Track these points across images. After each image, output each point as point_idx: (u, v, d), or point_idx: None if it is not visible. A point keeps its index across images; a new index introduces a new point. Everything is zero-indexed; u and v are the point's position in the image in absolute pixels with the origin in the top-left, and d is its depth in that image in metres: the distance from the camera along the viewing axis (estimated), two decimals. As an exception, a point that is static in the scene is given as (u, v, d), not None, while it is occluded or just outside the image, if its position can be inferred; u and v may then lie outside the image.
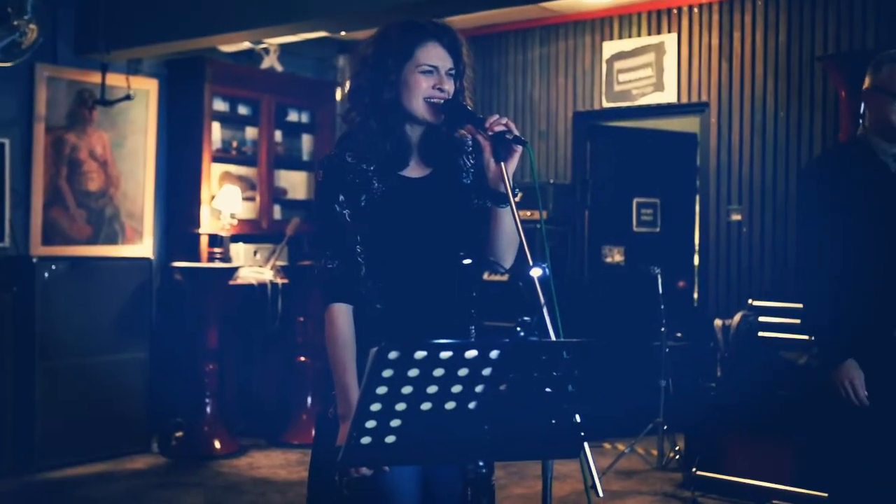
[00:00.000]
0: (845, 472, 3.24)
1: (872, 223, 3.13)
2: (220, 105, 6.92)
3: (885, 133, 3.16)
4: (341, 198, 2.36)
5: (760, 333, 5.51)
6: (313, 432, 2.56)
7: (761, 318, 5.62)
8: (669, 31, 6.62)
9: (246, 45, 6.80)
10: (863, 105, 3.29)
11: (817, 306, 3.21)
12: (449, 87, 2.37)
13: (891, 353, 3.09)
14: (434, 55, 2.37)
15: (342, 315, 2.33)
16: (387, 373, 1.79)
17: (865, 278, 3.12)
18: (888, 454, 3.16)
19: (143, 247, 6.54)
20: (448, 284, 2.40)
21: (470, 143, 2.49)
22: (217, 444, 6.10)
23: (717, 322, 5.65)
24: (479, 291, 2.49)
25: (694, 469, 5.23)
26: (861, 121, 3.33)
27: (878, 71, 3.20)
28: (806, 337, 5.44)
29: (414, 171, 2.43)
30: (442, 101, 2.36)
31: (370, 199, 2.37)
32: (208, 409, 6.15)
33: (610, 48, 6.87)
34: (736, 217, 6.35)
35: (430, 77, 2.36)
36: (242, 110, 7.15)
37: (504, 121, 2.29)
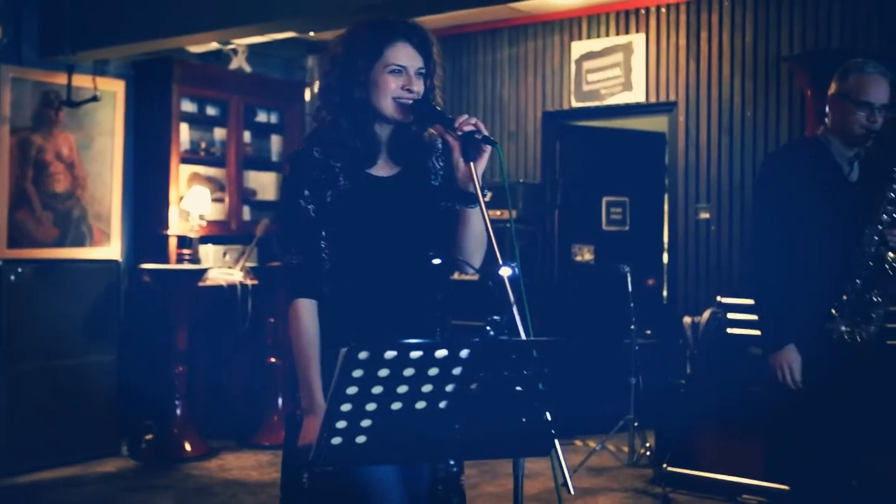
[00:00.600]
0: (793, 459, 3.47)
1: (820, 220, 3.30)
2: (188, 106, 6.88)
3: (845, 138, 3.34)
4: (306, 192, 2.36)
5: (729, 330, 5.55)
6: (284, 434, 2.56)
7: (730, 315, 5.65)
8: (637, 31, 6.66)
9: (214, 45, 6.76)
10: (827, 108, 3.41)
11: (763, 294, 3.42)
12: (418, 87, 2.38)
13: (823, 343, 3.30)
14: (403, 55, 2.37)
15: (307, 310, 2.33)
16: (357, 373, 1.79)
17: (808, 271, 3.30)
18: (826, 437, 3.36)
19: (110, 249, 6.49)
20: (414, 284, 2.41)
21: (440, 145, 2.50)
22: (187, 447, 6.07)
23: (687, 319, 5.69)
24: (447, 292, 2.49)
25: (664, 465, 5.27)
26: (825, 121, 3.44)
27: (844, 79, 3.35)
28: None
29: (382, 169, 2.43)
30: (410, 101, 2.37)
31: (336, 195, 2.36)
32: (178, 412, 6.11)
33: (578, 48, 6.90)
34: (704, 215, 6.40)
35: (398, 77, 2.36)
36: (211, 111, 7.11)
37: (473, 121, 2.30)
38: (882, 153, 3.42)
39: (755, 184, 3.70)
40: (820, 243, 3.30)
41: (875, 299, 3.29)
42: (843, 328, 3.29)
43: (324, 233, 2.36)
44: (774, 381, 3.34)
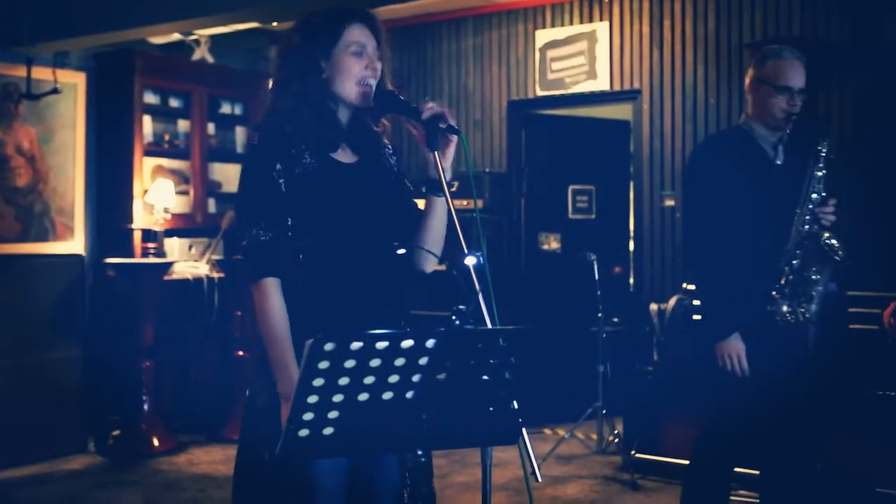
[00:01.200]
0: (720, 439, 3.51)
1: (751, 205, 3.37)
2: (150, 98, 6.82)
3: (767, 122, 3.42)
4: (278, 166, 2.30)
5: (695, 316, 5.58)
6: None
7: (696, 302, 5.69)
8: (601, 20, 6.67)
9: (176, 36, 6.70)
10: (748, 94, 3.49)
11: (703, 284, 3.57)
12: (379, 65, 2.38)
13: (767, 327, 3.37)
14: (360, 34, 2.37)
15: (275, 290, 2.26)
16: (323, 364, 1.78)
17: (744, 257, 3.37)
18: (765, 419, 3.44)
19: (74, 243, 6.43)
20: (379, 273, 2.39)
21: (388, 144, 2.50)
22: (155, 442, 6.03)
23: (653, 306, 5.72)
24: (409, 282, 2.48)
25: (633, 452, 5.30)
26: (745, 110, 3.54)
27: (762, 65, 3.41)
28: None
29: (343, 156, 2.41)
30: (374, 80, 2.36)
31: (304, 172, 2.31)
32: (145, 407, 6.07)
33: (543, 37, 6.91)
34: (669, 203, 6.44)
35: (360, 59, 2.36)
36: (174, 103, 7.05)
37: (430, 104, 2.29)
38: (802, 134, 3.51)
39: (684, 176, 3.77)
40: (753, 228, 3.37)
41: (813, 277, 3.36)
42: (785, 309, 3.36)
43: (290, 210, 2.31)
44: (722, 369, 3.40)
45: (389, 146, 2.52)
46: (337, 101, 2.38)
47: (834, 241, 3.35)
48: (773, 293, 3.37)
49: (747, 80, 3.48)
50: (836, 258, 3.35)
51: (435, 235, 2.44)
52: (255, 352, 2.37)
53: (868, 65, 5.66)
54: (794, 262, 3.36)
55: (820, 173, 3.37)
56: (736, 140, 3.50)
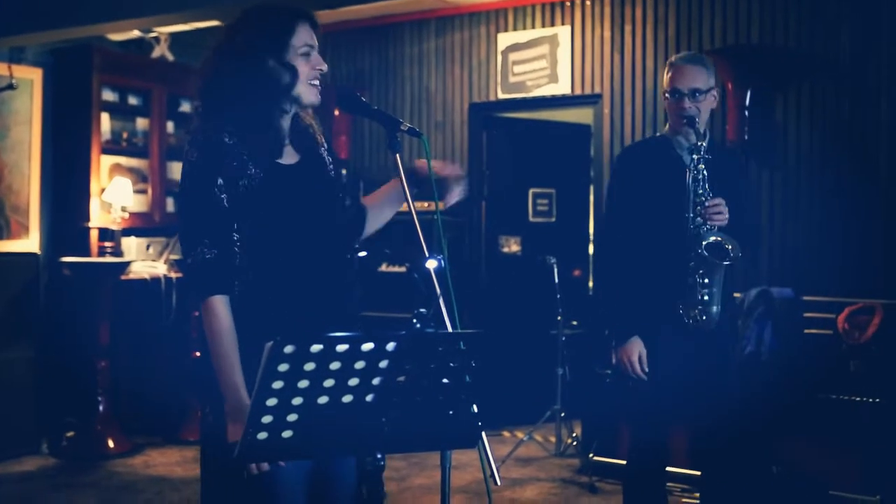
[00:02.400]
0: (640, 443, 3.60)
1: (664, 211, 3.44)
2: (108, 95, 6.74)
3: (674, 128, 3.53)
4: (220, 181, 2.25)
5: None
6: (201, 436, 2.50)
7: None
8: (563, 24, 6.70)
9: (136, 33, 6.63)
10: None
11: (604, 289, 3.67)
12: (325, 66, 2.38)
13: (678, 330, 3.43)
14: (308, 35, 2.35)
15: (223, 308, 2.23)
16: (282, 367, 1.77)
17: (654, 261, 3.44)
18: (685, 422, 3.56)
19: (29, 242, 6.33)
20: (332, 275, 2.37)
21: (325, 146, 2.49)
22: (111, 444, 5.96)
23: (612, 310, 5.74)
24: (363, 283, 2.48)
25: (591, 454, 5.33)
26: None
27: (666, 74, 3.58)
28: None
29: (287, 158, 2.39)
30: (320, 81, 2.36)
31: (248, 184, 2.28)
32: (101, 408, 6.00)
33: (505, 40, 6.92)
34: (629, 207, 6.47)
35: (309, 59, 2.34)
36: (133, 101, 6.97)
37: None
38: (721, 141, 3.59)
39: (607, 182, 3.88)
40: (664, 233, 3.44)
41: (701, 280, 3.39)
42: (692, 312, 3.42)
43: (235, 224, 2.27)
44: (624, 373, 3.49)
45: (324, 142, 2.49)
46: (291, 102, 2.34)
47: (725, 243, 3.35)
48: (678, 296, 3.43)
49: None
50: (726, 260, 3.35)
51: (377, 223, 2.56)
52: (204, 368, 2.32)
53: (824, 71, 5.74)
54: (691, 263, 3.41)
55: (701, 175, 3.39)
56: (653, 147, 3.63)
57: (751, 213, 3.56)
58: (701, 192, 3.38)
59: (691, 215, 3.39)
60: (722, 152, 3.65)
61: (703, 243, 3.35)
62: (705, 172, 3.38)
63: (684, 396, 3.48)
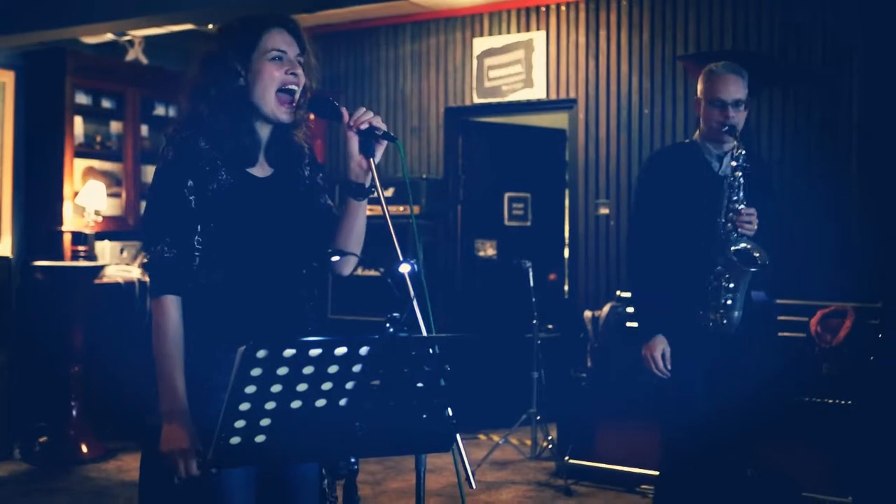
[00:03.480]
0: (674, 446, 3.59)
1: (691, 216, 3.49)
2: (82, 98, 6.70)
3: (711, 137, 3.53)
4: (190, 183, 2.26)
5: (629, 324, 5.65)
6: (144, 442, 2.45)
7: (629, 309, 5.76)
8: (538, 29, 6.73)
9: (109, 36, 6.59)
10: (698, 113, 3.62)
11: (635, 289, 3.72)
12: (300, 71, 2.33)
13: (698, 333, 3.48)
14: (280, 40, 2.32)
15: (174, 308, 2.24)
16: (255, 371, 1.77)
17: (681, 265, 3.49)
18: (701, 421, 3.50)
19: (1, 245, 6.28)
20: (291, 286, 2.37)
21: (307, 153, 2.47)
22: (84, 449, 5.91)
23: (587, 313, 5.78)
24: (321, 291, 2.48)
25: (566, 457, 5.34)
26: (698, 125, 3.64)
27: (705, 82, 3.54)
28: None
29: (259, 170, 2.38)
30: (296, 85, 2.32)
31: (219, 189, 2.28)
32: (74, 413, 5.95)
33: (480, 44, 6.94)
34: (604, 211, 6.51)
35: (280, 64, 2.31)
36: (106, 104, 6.93)
37: (369, 116, 2.28)
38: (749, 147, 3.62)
39: (635, 188, 3.89)
40: (691, 238, 3.49)
41: (727, 285, 3.44)
42: (711, 316, 3.46)
43: (199, 227, 2.27)
44: (647, 371, 3.56)
45: (308, 157, 2.48)
46: (256, 110, 2.32)
47: (753, 251, 3.40)
48: (701, 301, 3.47)
49: (695, 98, 3.62)
50: (753, 267, 3.40)
51: (356, 237, 2.44)
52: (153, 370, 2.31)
53: (796, 77, 5.79)
54: (718, 268, 3.45)
55: (738, 182, 3.43)
56: (683, 153, 3.63)
57: (771, 233, 3.53)
58: (735, 198, 3.42)
59: (723, 220, 3.44)
60: (758, 165, 3.63)
61: (733, 249, 3.39)
62: (742, 180, 3.42)
63: (708, 398, 3.51)
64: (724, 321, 3.46)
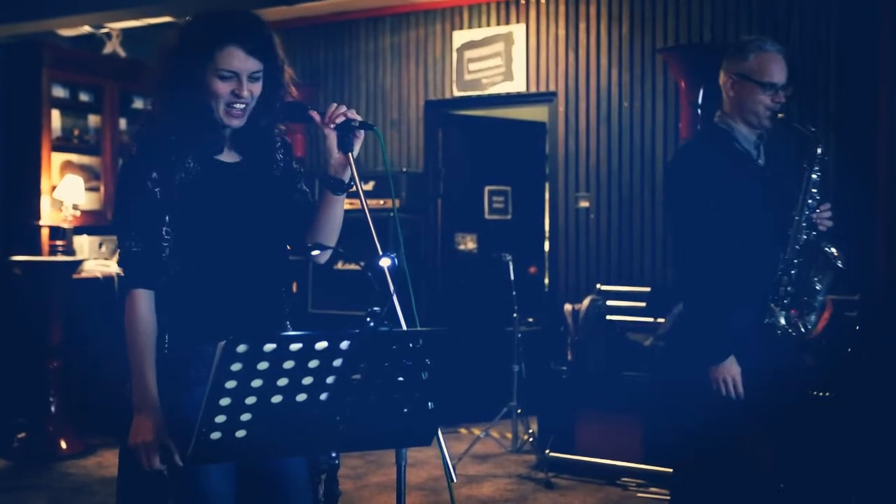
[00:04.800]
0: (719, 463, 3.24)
1: (741, 213, 3.13)
2: (59, 92, 6.64)
3: (748, 120, 3.19)
4: (154, 175, 2.26)
5: (608, 317, 5.67)
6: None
7: (609, 302, 5.78)
8: (518, 22, 6.73)
9: (86, 29, 6.55)
10: (726, 90, 3.25)
11: (697, 304, 3.16)
12: (248, 92, 2.28)
13: (763, 342, 3.14)
14: (234, 60, 2.26)
15: (144, 301, 2.24)
16: (235, 366, 1.76)
17: (738, 268, 3.12)
18: (756, 441, 3.22)
19: (-22, 241, 6.24)
20: (263, 273, 2.36)
21: (279, 138, 2.47)
22: (63, 445, 5.88)
23: (568, 307, 5.79)
24: (300, 280, 2.49)
25: (547, 451, 5.36)
26: (720, 108, 3.29)
27: (743, 59, 3.17)
28: (651, 319, 5.65)
29: (227, 156, 2.38)
30: (242, 105, 2.29)
31: (186, 178, 2.28)
32: (53, 408, 5.91)
33: (460, 37, 6.93)
34: (584, 204, 6.52)
35: (227, 84, 2.28)
36: (84, 97, 6.88)
37: (343, 110, 2.28)
38: (777, 131, 3.32)
39: (667, 187, 3.52)
40: (745, 237, 3.13)
41: (816, 287, 3.17)
42: (783, 322, 3.16)
43: (167, 218, 2.26)
44: (717, 394, 3.12)
45: (280, 142, 2.47)
46: (210, 115, 2.31)
47: (833, 249, 3.16)
48: (772, 304, 3.16)
49: (723, 76, 3.24)
50: (839, 266, 3.15)
51: (334, 230, 2.44)
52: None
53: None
54: (793, 271, 3.16)
55: (815, 176, 3.18)
56: (718, 143, 3.23)
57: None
58: (814, 190, 3.16)
59: (798, 217, 3.15)
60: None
61: (826, 248, 3.14)
62: (819, 173, 3.18)
63: (762, 404, 3.20)
64: (805, 326, 3.17)
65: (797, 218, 3.16)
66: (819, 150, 3.20)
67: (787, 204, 3.20)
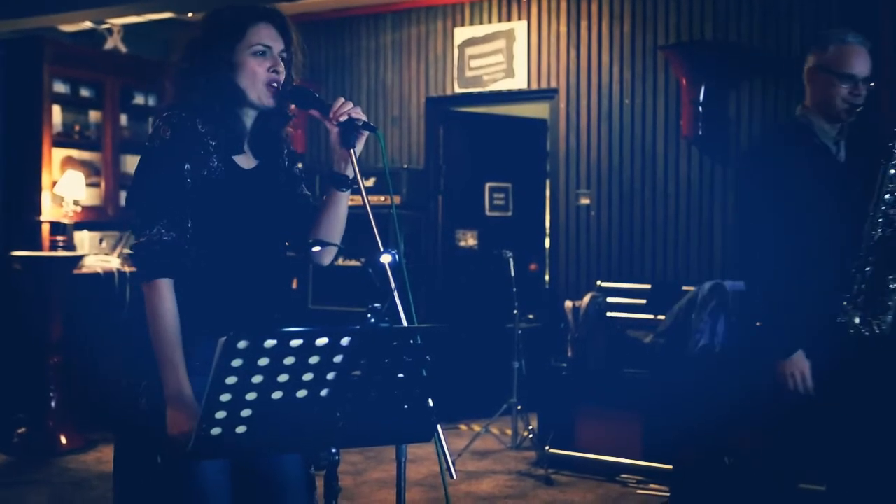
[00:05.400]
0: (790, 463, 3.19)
1: (816, 207, 3.06)
2: (60, 87, 6.64)
3: (828, 114, 3.12)
4: (187, 166, 2.24)
5: (609, 314, 5.68)
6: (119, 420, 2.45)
7: (609, 299, 5.79)
8: (520, 19, 6.72)
9: (88, 25, 6.54)
10: (807, 83, 3.19)
11: (766, 297, 3.11)
12: (282, 67, 2.33)
13: (835, 340, 3.05)
14: (266, 35, 2.32)
15: (170, 291, 2.22)
16: (236, 362, 1.77)
17: (811, 264, 3.05)
18: (831, 442, 3.12)
19: (-21, 236, 6.24)
20: (267, 274, 2.38)
21: (287, 142, 2.48)
22: (63, 440, 5.88)
23: (568, 303, 5.80)
24: (300, 280, 2.50)
25: (547, 447, 5.36)
26: (802, 101, 3.23)
27: (823, 50, 3.12)
28: (651, 316, 5.66)
29: (244, 160, 2.38)
30: (277, 84, 2.32)
31: (209, 176, 2.27)
32: (53, 404, 5.92)
33: (461, 34, 6.93)
34: (584, 201, 6.52)
35: (263, 59, 2.31)
36: (85, 93, 6.88)
37: (349, 107, 2.29)
38: (862, 126, 3.24)
39: (739, 178, 3.43)
40: (820, 232, 3.06)
41: (891, 286, 3.05)
42: (857, 321, 3.05)
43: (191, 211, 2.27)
44: (784, 389, 3.06)
45: (289, 149, 2.49)
46: (243, 97, 2.32)
47: None
48: (845, 303, 3.06)
49: (806, 68, 3.17)
50: None
51: (338, 227, 2.44)
52: (137, 350, 2.29)
53: (775, 67, 5.81)
54: (867, 268, 3.05)
55: (893, 171, 3.06)
56: (795, 136, 3.16)
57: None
58: (887, 191, 3.05)
59: (872, 213, 3.06)
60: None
61: None
62: (894, 170, 3.04)
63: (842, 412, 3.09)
64: (880, 326, 3.05)
65: (871, 213, 3.06)
66: (892, 145, 3.08)
67: (866, 201, 3.09)
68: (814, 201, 3.06)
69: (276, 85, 2.32)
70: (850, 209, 3.09)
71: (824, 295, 3.06)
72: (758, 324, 3.23)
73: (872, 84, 3.12)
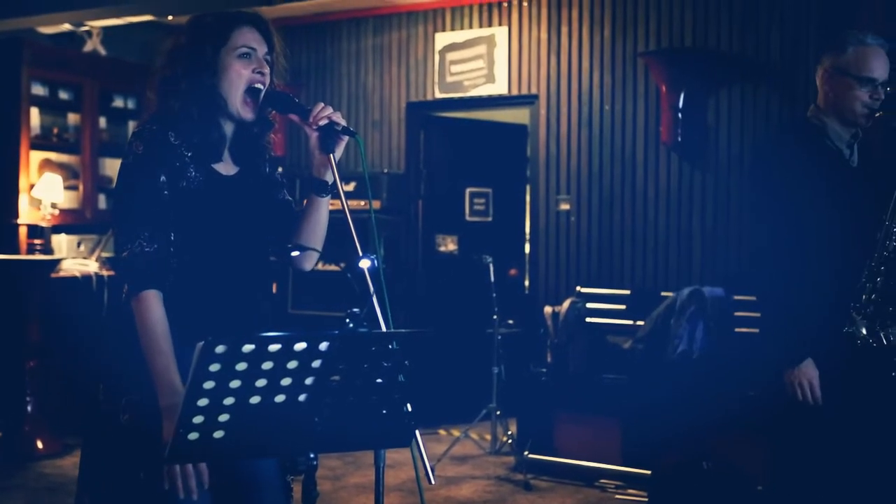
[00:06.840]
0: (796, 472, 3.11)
1: (827, 213, 2.99)
2: (38, 89, 6.61)
3: (843, 117, 3.03)
4: (163, 178, 2.24)
5: (588, 319, 5.69)
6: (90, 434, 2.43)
7: (589, 305, 5.81)
8: (500, 24, 6.74)
9: (67, 27, 6.51)
10: (821, 85, 3.09)
11: (773, 304, 3.05)
12: (267, 70, 2.34)
13: (842, 351, 2.98)
14: (250, 38, 2.33)
15: (157, 302, 2.21)
16: (214, 367, 1.76)
17: (820, 271, 2.99)
18: (838, 453, 3.04)
19: (-45, 239, 6.19)
20: (248, 281, 2.38)
21: (267, 148, 2.48)
22: (39, 445, 5.83)
23: (547, 309, 5.81)
24: (279, 285, 2.50)
25: (526, 452, 5.37)
26: (814, 103, 3.14)
27: (841, 52, 3.02)
28: (630, 322, 5.68)
29: (224, 167, 2.38)
30: (263, 84, 2.33)
31: (188, 186, 2.27)
32: (29, 408, 5.87)
33: (442, 39, 6.94)
34: (564, 206, 6.54)
35: (248, 62, 2.31)
36: (63, 95, 6.85)
37: (328, 111, 2.28)
38: (875, 131, 3.15)
39: (750, 179, 3.32)
40: (830, 240, 2.98)
41: None
42: (865, 332, 2.97)
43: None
44: (792, 399, 2.99)
45: (270, 155, 2.49)
46: (224, 105, 2.32)
47: None
48: (853, 313, 2.98)
49: (821, 70, 3.08)
50: None
51: (319, 233, 2.44)
52: (115, 366, 2.29)
53: (754, 74, 5.85)
54: (879, 279, 2.96)
55: None
56: (807, 138, 3.06)
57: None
58: None
59: (888, 223, 2.96)
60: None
61: None
62: None
63: (848, 424, 3.02)
64: (889, 337, 2.96)
65: (887, 223, 2.97)
66: None
67: (879, 208, 3.01)
68: (824, 207, 2.98)
69: (258, 86, 2.32)
70: (862, 217, 3.02)
71: (832, 304, 2.98)
72: (758, 331, 3.19)
73: (889, 88, 3.03)
